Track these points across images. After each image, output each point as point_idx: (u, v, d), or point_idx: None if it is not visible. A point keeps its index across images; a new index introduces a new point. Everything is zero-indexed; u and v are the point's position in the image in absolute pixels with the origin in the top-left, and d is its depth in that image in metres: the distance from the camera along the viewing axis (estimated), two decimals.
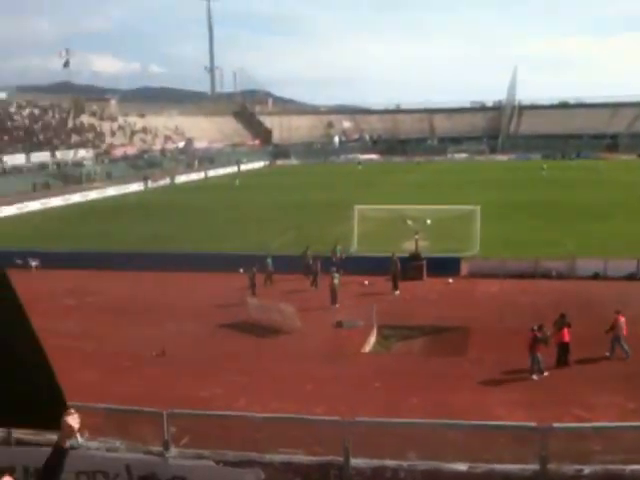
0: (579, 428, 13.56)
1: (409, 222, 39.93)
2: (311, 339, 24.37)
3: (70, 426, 4.17)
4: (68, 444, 4.24)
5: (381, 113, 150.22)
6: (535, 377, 20.32)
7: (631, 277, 31.91)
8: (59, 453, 4.20)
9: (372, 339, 24.46)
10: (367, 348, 23.80)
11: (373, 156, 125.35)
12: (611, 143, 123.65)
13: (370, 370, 21.36)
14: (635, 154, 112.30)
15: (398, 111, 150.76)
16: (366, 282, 31.71)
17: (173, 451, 13.28)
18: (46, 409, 4.22)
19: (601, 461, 10.21)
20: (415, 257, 33.81)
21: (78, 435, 4.40)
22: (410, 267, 32.91)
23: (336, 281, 28.93)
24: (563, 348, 20.94)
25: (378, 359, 22.78)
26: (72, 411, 4.22)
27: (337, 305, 28.30)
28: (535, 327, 20.82)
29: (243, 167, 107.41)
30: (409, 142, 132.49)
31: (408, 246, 35.90)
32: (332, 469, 10.91)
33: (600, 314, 24.20)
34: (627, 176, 79.92)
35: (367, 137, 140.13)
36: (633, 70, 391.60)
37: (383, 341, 24.45)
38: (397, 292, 30.77)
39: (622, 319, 21.48)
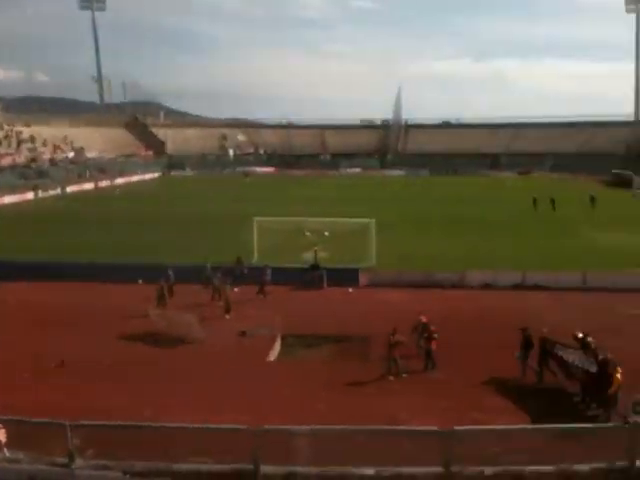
0: (480, 431, 14.19)
1: (307, 234, 40.57)
2: (216, 349, 24.41)
3: None
4: None
5: (274, 128, 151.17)
6: (392, 378, 21.32)
7: (517, 287, 33.69)
8: None
9: (276, 348, 24.73)
10: (272, 357, 24.05)
11: (268, 169, 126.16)
12: (492, 161, 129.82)
13: (276, 378, 21.63)
14: (515, 172, 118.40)
15: (291, 126, 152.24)
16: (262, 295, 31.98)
17: (78, 462, 13.07)
18: None
19: (502, 462, 10.71)
20: (315, 268, 34.45)
21: (5, 449, 4.51)
22: (310, 277, 33.58)
23: (229, 291, 29.41)
24: (428, 354, 22.07)
25: (283, 367, 23.01)
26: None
27: (229, 315, 28.63)
28: (391, 332, 21.89)
29: (137, 177, 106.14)
30: (303, 157, 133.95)
31: (308, 257, 36.50)
32: (242, 477, 11.00)
33: (490, 322, 25.55)
34: (509, 193, 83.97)
35: (261, 151, 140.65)
36: (510, 92, 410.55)
37: (287, 349, 24.75)
38: (261, 295, 31.61)
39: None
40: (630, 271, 35.45)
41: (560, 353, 20.73)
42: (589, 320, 27.95)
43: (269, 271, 32.63)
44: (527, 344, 21.60)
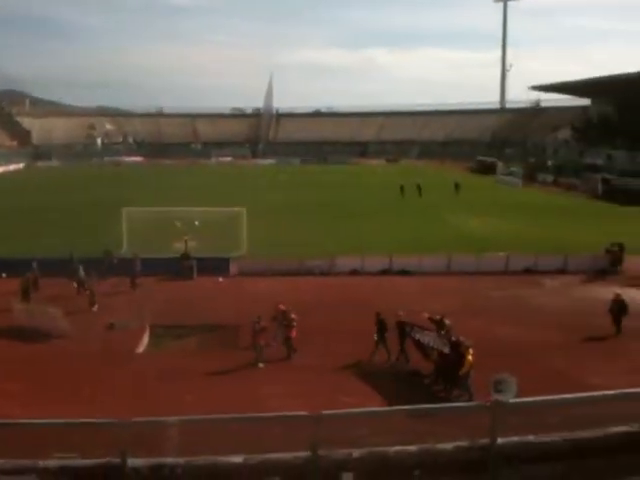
0: (346, 414, 14.56)
1: (178, 224, 40.07)
2: (83, 342, 23.74)
3: None
4: None
5: (143, 116, 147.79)
6: (261, 365, 21.58)
7: (385, 272, 34.70)
8: None
9: (145, 339, 24.35)
10: (141, 348, 23.67)
11: (137, 158, 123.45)
12: (362, 149, 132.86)
13: (145, 370, 21.32)
14: (383, 159, 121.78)
15: (161, 115, 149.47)
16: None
17: None
18: None
19: (368, 444, 10.99)
20: (185, 257, 34.09)
21: None
22: (180, 267, 33.20)
23: (93, 283, 28.73)
24: (288, 341, 22.49)
25: (152, 359, 22.68)
26: None
27: (95, 308, 27.98)
28: (256, 319, 22.19)
29: (1, 169, 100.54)
30: (173, 146, 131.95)
31: (178, 247, 36.07)
32: (109, 471, 10.79)
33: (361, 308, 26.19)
34: (376, 179, 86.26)
35: (130, 140, 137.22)
36: (383, 81, 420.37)
37: (156, 341, 24.40)
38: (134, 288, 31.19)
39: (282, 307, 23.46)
40: (491, 255, 37.24)
41: (417, 336, 21.47)
42: (452, 303, 29.28)
43: (139, 262, 32.01)
44: (382, 327, 22.23)
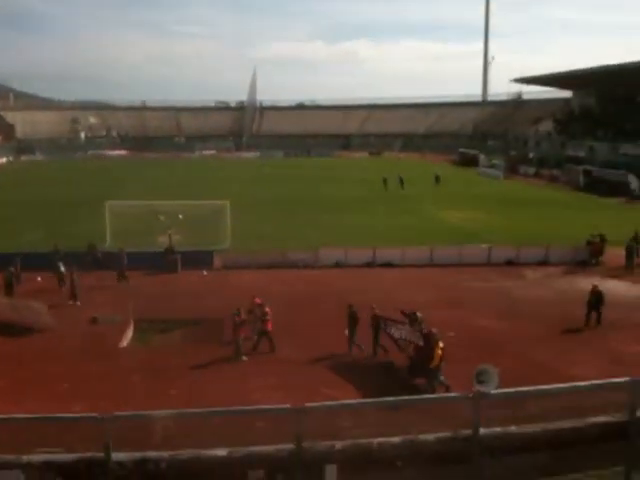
0: (330, 406, 14.64)
1: (161, 217, 40.00)
2: (66, 337, 23.66)
3: None
4: None
5: (127, 110, 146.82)
6: (244, 358, 21.62)
7: (368, 264, 34.84)
8: None
9: (129, 334, 24.24)
10: (124, 343, 23.55)
11: (121, 152, 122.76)
12: (345, 142, 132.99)
13: (129, 365, 21.28)
14: (366, 152, 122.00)
15: (144, 108, 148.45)
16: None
17: None
18: None
19: (351, 436, 11.06)
20: (169, 251, 34.03)
21: None
22: (165, 261, 33.16)
23: (76, 277, 28.40)
24: (266, 335, 22.47)
25: (136, 353, 22.60)
26: None
27: (77, 302, 27.87)
28: (235, 312, 22.21)
29: None
30: (157, 139, 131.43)
31: (162, 241, 36.01)
32: (93, 465, 10.81)
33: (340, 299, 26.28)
34: (359, 172, 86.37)
35: (114, 133, 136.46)
36: (365, 74, 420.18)
37: (141, 335, 24.30)
38: (124, 282, 31.06)
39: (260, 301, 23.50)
40: (474, 247, 37.54)
41: (391, 330, 21.58)
42: (435, 294, 29.52)
43: (125, 256, 31.94)
44: (353, 321, 22.29)
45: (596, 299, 25.05)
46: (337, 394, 18.01)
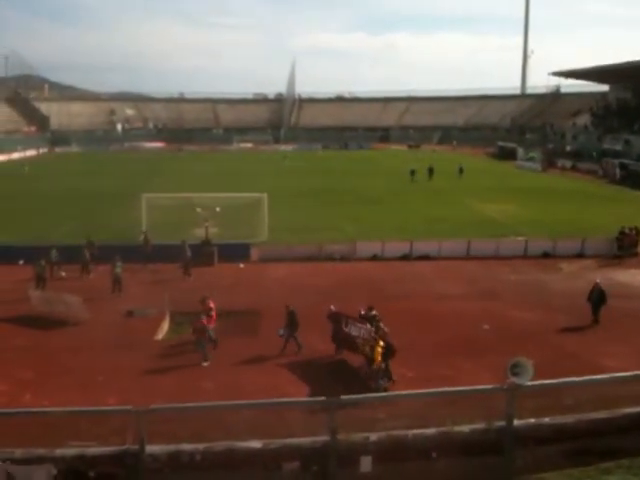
0: (364, 399, 14.61)
1: (198, 210, 40.18)
2: (101, 329, 23.81)
3: None
4: None
5: (165, 102, 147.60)
6: (205, 364, 20.77)
7: (405, 257, 34.67)
8: None
9: (165, 326, 24.36)
10: (160, 335, 23.66)
11: (158, 144, 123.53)
12: (384, 135, 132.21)
13: (163, 357, 21.41)
14: (405, 145, 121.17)
15: (182, 100, 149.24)
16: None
17: None
18: None
19: (385, 427, 11.02)
20: (206, 244, 34.23)
21: None
22: (201, 254, 33.28)
23: (118, 270, 28.56)
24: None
25: (171, 345, 22.67)
26: None
27: (121, 294, 28.08)
28: (203, 316, 21.73)
29: (18, 155, 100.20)
30: (195, 131, 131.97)
31: (199, 233, 36.21)
32: (127, 458, 10.84)
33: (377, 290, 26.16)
34: (399, 165, 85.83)
35: (151, 125, 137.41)
36: (403, 66, 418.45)
37: (176, 328, 24.36)
38: (188, 276, 31.12)
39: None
40: (511, 239, 37.39)
41: (350, 328, 20.99)
42: (471, 287, 29.32)
43: (188, 248, 31.88)
44: (291, 321, 21.90)
45: (598, 296, 24.44)
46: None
